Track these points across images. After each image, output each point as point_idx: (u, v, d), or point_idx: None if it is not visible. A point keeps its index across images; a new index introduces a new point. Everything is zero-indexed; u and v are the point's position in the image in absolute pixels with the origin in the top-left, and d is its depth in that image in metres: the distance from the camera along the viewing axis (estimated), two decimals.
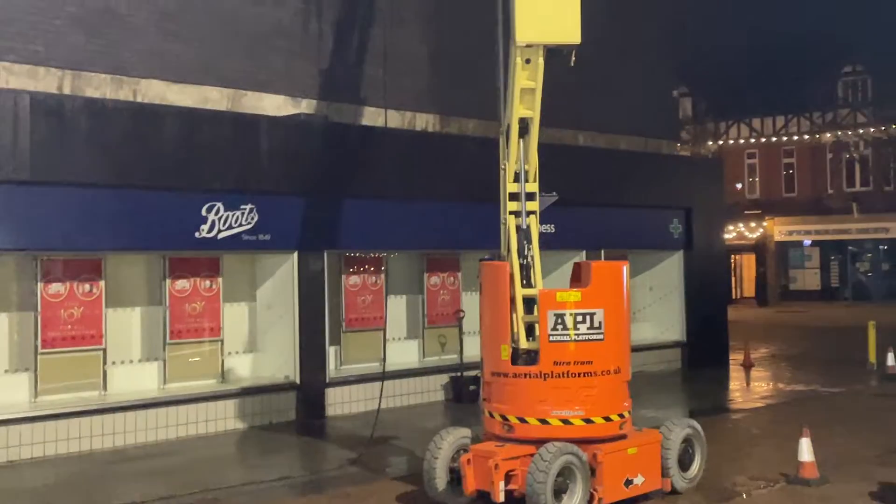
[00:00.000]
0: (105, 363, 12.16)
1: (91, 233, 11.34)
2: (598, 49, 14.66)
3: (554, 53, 9.00)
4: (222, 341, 13.25)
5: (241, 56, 13.52)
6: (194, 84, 12.96)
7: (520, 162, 9.18)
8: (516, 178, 9.19)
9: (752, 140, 41.77)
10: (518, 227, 9.04)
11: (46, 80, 11.62)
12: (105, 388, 12.14)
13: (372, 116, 14.67)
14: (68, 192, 11.14)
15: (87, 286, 12.03)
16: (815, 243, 40.97)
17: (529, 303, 8.73)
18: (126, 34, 12.34)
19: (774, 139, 41.34)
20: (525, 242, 9.00)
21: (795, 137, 40.80)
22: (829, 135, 39.51)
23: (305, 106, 14.13)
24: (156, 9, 12.61)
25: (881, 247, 40.24)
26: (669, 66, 20.56)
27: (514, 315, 8.71)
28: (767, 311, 37.51)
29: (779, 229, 41.45)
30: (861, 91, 39.87)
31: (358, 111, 14.70)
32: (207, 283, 13.07)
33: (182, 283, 12.83)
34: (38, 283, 11.68)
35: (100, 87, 12.09)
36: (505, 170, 9.25)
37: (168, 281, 12.69)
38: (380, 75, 14.24)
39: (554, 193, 9.78)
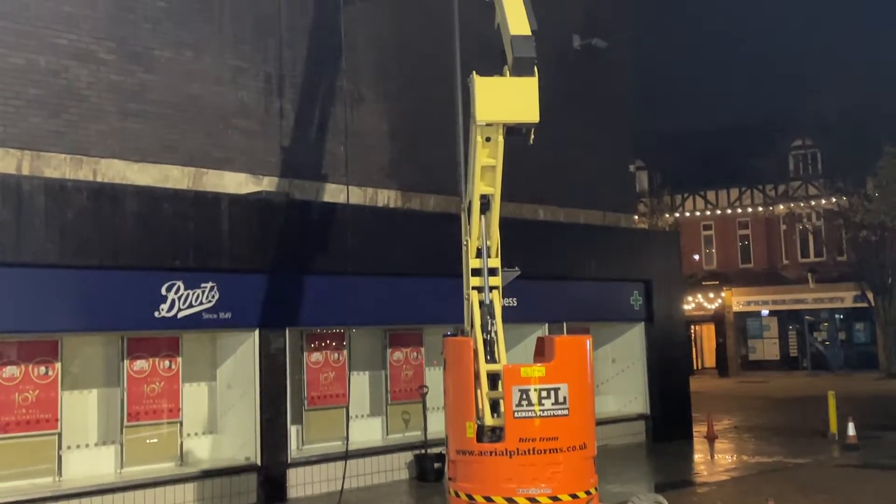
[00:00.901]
0: (60, 448, 11.85)
1: (47, 314, 11.18)
2: (557, 126, 15.02)
3: (513, 131, 9.18)
4: (181, 423, 13.00)
5: (203, 134, 13.60)
6: (155, 163, 12.98)
7: (482, 238, 9.29)
8: (478, 254, 9.29)
9: (708, 212, 42.62)
10: (481, 303, 9.10)
11: (5, 161, 11.58)
12: (60, 473, 11.80)
13: (334, 193, 14.78)
14: (24, 272, 11.01)
15: (42, 368, 11.79)
16: (772, 313, 41.54)
17: (494, 378, 8.73)
18: (87, 114, 12.38)
19: (729, 211, 42.23)
20: (488, 318, 9.05)
21: (750, 209, 41.72)
22: (782, 207, 40.45)
23: (267, 183, 14.20)
24: (117, 89, 12.70)
25: (837, 316, 40.90)
26: (625, 141, 21.04)
27: (479, 391, 8.70)
28: (728, 381, 37.74)
29: (737, 300, 42.02)
30: (811, 164, 41.01)
31: (320, 188, 14.80)
32: (166, 363, 12.89)
33: (140, 364, 12.64)
34: None
35: (59, 167, 12.06)
36: (467, 245, 9.35)
37: (126, 361, 12.50)
38: (341, 152, 14.40)
39: (516, 268, 9.87)
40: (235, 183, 13.85)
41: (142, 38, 13.01)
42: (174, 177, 13.17)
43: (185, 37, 13.48)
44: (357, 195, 15.16)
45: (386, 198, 15.88)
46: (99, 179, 12.35)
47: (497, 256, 9.36)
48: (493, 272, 9.27)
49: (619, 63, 20.50)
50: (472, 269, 9.23)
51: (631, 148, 22.10)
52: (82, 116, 12.34)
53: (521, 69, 8.94)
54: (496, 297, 9.19)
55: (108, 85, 12.63)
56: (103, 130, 12.52)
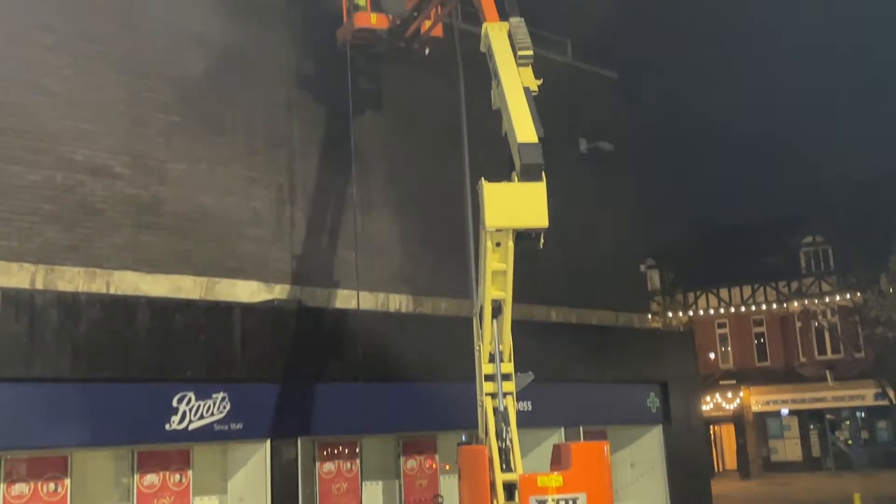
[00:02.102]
0: None
1: (57, 429, 11.07)
2: (567, 227, 15.13)
3: (523, 236, 9.26)
4: None
5: (215, 245, 13.73)
6: (168, 274, 13.09)
7: (494, 343, 9.24)
8: (491, 359, 9.23)
9: (722, 310, 42.38)
10: (495, 410, 9.00)
11: (19, 276, 11.69)
12: None
13: (345, 299, 14.79)
14: (35, 388, 10.96)
15: (51, 485, 11.60)
16: (792, 412, 40.79)
17: (510, 488, 8.55)
18: (101, 228, 12.56)
19: (743, 309, 41.99)
20: (503, 425, 8.93)
21: (763, 307, 41.48)
22: (796, 304, 40.22)
23: (279, 291, 14.25)
24: (131, 202, 12.90)
25: (858, 414, 40.12)
26: (636, 241, 21.14)
27: (495, 502, 8.50)
28: (751, 483, 36.77)
29: (755, 399, 41.35)
30: (823, 260, 40.97)
31: (331, 294, 14.83)
32: (177, 476, 12.66)
33: (151, 479, 12.42)
34: (1, 485, 11.25)
35: (73, 280, 12.16)
36: (479, 351, 9.30)
37: (136, 476, 12.29)
38: (352, 258, 14.49)
39: (530, 373, 9.79)
40: (248, 291, 13.90)
41: (156, 152, 13.30)
42: (187, 287, 13.25)
43: (199, 150, 13.77)
44: (369, 300, 15.17)
45: (397, 302, 15.88)
46: (112, 291, 12.43)
47: (510, 361, 9.30)
48: (506, 377, 9.20)
49: (628, 164, 20.76)
50: (486, 375, 9.17)
51: (642, 247, 22.18)
52: (96, 230, 12.51)
53: (529, 175, 9.08)
54: (510, 403, 9.09)
55: (122, 198, 12.84)
56: (117, 243, 12.67)
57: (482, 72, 10.70)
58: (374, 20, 14.05)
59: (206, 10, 14.00)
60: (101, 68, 12.93)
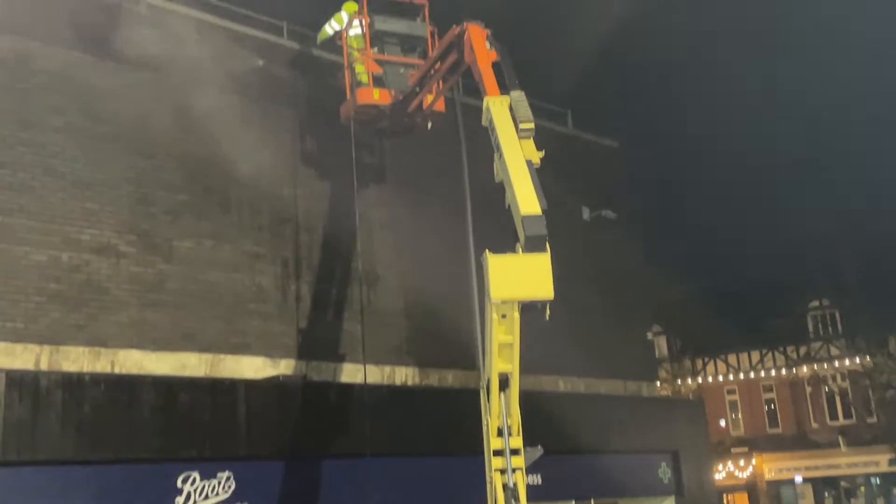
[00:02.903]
0: None
1: None
2: (573, 297, 15.07)
3: (529, 308, 9.19)
4: None
5: (220, 321, 13.69)
6: (173, 351, 13.02)
7: (502, 416, 9.11)
8: (500, 433, 9.09)
9: (731, 376, 41.95)
10: (504, 486, 8.83)
11: (24, 357, 11.63)
12: None
13: (351, 372, 14.68)
14: (38, 471, 10.81)
15: None
16: (806, 480, 40.02)
17: None
18: (106, 307, 12.54)
19: (752, 375, 41.55)
20: (513, 501, 8.75)
21: (773, 372, 41.05)
22: (805, 369, 39.80)
23: (284, 366, 14.15)
24: (137, 280, 12.92)
25: (873, 480, 39.37)
26: (642, 308, 21.05)
27: None
28: None
29: (768, 467, 40.63)
30: (830, 324, 40.67)
31: (337, 368, 14.73)
32: None
33: None
34: None
35: (78, 360, 12.10)
36: (487, 425, 9.17)
37: None
38: (358, 331, 14.42)
39: (539, 447, 9.64)
40: (253, 367, 13.81)
41: (162, 230, 13.36)
42: (192, 364, 13.16)
43: (205, 227, 13.83)
44: (374, 374, 15.06)
45: (404, 375, 15.76)
46: (117, 371, 12.35)
47: (519, 435, 9.15)
48: (515, 452, 9.03)
49: (631, 232, 20.81)
50: (494, 450, 9.01)
51: (648, 314, 22.08)
52: (102, 309, 12.49)
53: (533, 247, 9.06)
54: (520, 478, 8.93)
55: (127, 277, 12.85)
56: (122, 321, 12.64)
57: (484, 144, 10.78)
58: (377, 96, 14.22)
59: (212, 89, 14.22)
60: (108, 148, 13.07)
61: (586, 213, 19.92)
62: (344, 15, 14.78)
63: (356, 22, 14.60)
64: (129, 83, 13.48)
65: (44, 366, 11.75)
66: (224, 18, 15.08)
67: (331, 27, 14.92)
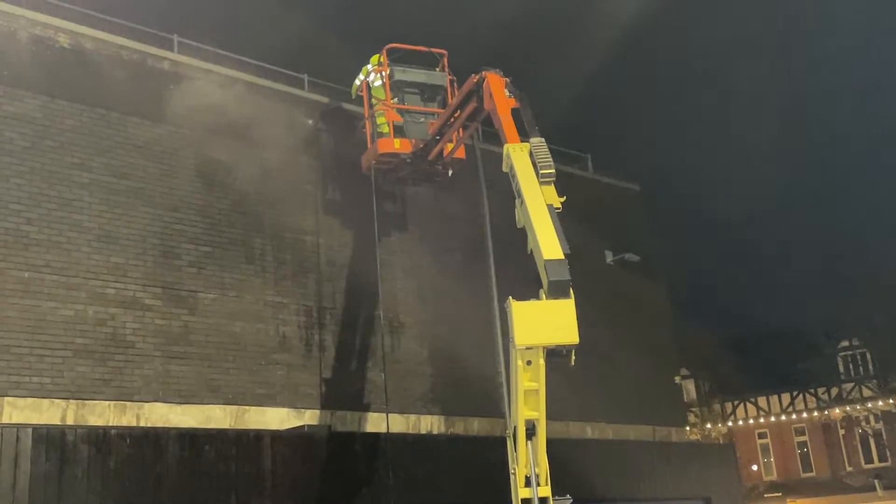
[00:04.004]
0: None
1: None
2: (598, 342, 14.99)
3: (554, 354, 9.17)
4: None
5: (245, 372, 13.71)
6: (198, 404, 13.04)
7: (529, 465, 9.03)
8: (527, 483, 9.00)
9: (762, 419, 41.29)
10: None
11: (50, 412, 11.69)
12: None
13: (376, 422, 14.63)
14: None
15: None
16: None
17: None
18: (132, 360, 12.61)
19: (784, 417, 40.89)
20: None
21: (804, 415, 40.37)
22: (837, 410, 39.10)
23: (309, 417, 14.12)
24: (162, 333, 12.99)
25: None
26: (670, 351, 20.88)
27: None
28: None
29: None
30: (861, 365, 40.05)
31: (362, 417, 14.68)
32: None
33: None
34: None
35: (103, 414, 12.14)
36: (515, 474, 9.08)
37: None
38: (381, 380, 14.38)
39: (568, 497, 9.51)
40: (278, 418, 13.79)
41: (187, 282, 13.46)
42: (217, 416, 13.16)
43: (229, 278, 13.93)
44: (399, 423, 14.98)
45: (429, 424, 15.66)
46: (142, 424, 12.37)
47: (547, 484, 9.05)
48: (544, 502, 8.92)
49: (656, 274, 20.72)
50: (522, 500, 8.91)
51: (676, 358, 21.89)
52: (127, 363, 12.56)
53: (557, 292, 9.07)
54: None
55: (153, 330, 12.93)
56: (147, 375, 12.69)
57: (505, 190, 10.84)
58: (398, 145, 14.38)
59: (233, 140, 14.43)
60: (133, 202, 13.25)
61: (609, 257, 19.88)
62: (369, 67, 15.02)
63: (377, 74, 14.83)
64: (154, 138, 13.70)
65: (70, 420, 11.79)
66: (247, 72, 15.33)
67: (358, 80, 15.16)
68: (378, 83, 14.88)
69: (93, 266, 12.62)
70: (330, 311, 15.02)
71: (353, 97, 15.55)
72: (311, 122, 15.70)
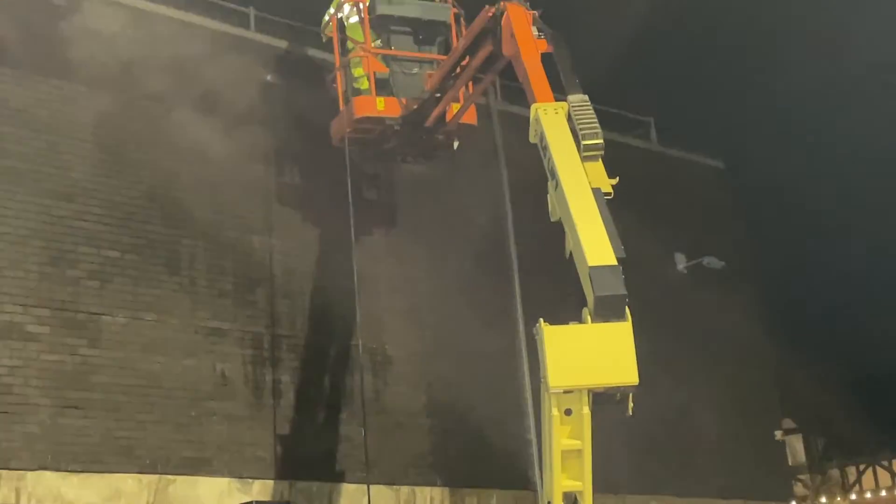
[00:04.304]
0: None
1: None
2: (664, 383, 14.97)
3: (603, 399, 9.15)
4: None
5: (168, 427, 13.73)
6: (102, 472, 13.04)
7: None
8: None
9: None
10: None
11: None
12: None
13: (354, 497, 14.65)
14: None
15: None
16: None
17: None
18: (8, 412, 12.55)
19: None
20: None
21: None
22: None
23: (259, 490, 14.17)
24: (51, 373, 12.97)
25: None
26: (767, 396, 20.90)
27: None
28: None
29: None
30: None
31: (333, 490, 14.73)
32: None
33: None
34: None
35: None
36: None
37: None
38: (360, 437, 14.39)
39: None
40: (215, 492, 13.82)
41: (86, 301, 13.47)
42: (129, 490, 13.18)
43: (145, 295, 13.96)
44: (387, 498, 14.99)
45: (428, 498, 15.70)
46: (23, 501, 12.36)
47: None
48: None
49: (746, 289, 20.71)
50: None
51: (775, 405, 21.88)
52: (2, 414, 12.53)
53: (606, 312, 9.05)
54: None
55: (38, 368, 12.92)
56: (31, 432, 12.67)
57: (534, 168, 10.83)
58: (382, 106, 14.38)
59: (151, 102, 14.48)
60: (8, 189, 13.25)
61: (681, 262, 19.90)
62: (345, 5, 14.98)
63: (353, 6, 14.80)
64: (38, 99, 13.71)
65: None
66: (169, 5, 15.38)
67: (328, 14, 15.16)
68: (354, 19, 14.88)
69: None
70: (287, 341, 15.02)
71: (324, 40, 15.54)
72: (266, 76, 15.70)
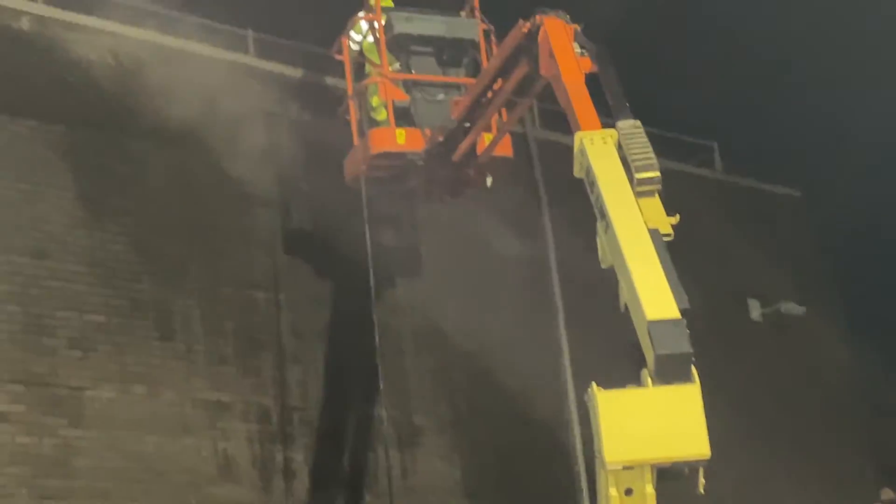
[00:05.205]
0: None
1: None
2: (742, 453, 14.87)
3: (670, 474, 9.10)
4: None
5: None
6: None
7: None
8: None
9: None
10: None
11: None
12: None
13: None
14: None
15: None
16: None
17: None
18: None
19: None
20: None
21: None
22: None
23: None
24: (26, 457, 12.93)
25: None
26: (865, 461, 20.75)
27: None
28: None
29: None
30: None
31: None
32: None
33: None
34: None
35: None
36: None
37: None
38: None
39: None
40: None
41: (66, 372, 13.44)
42: None
43: (133, 364, 13.98)
44: None
45: None
46: None
47: None
48: None
49: (835, 336, 20.59)
50: None
51: (874, 469, 21.67)
52: None
53: (669, 372, 9.01)
54: None
55: (12, 452, 12.88)
56: None
57: (581, 206, 10.81)
58: (403, 139, 14.40)
59: (137, 139, 14.58)
60: None
61: (755, 310, 19.81)
62: (363, 22, 15.02)
63: (367, 25, 14.86)
64: (9, 136, 13.83)
65: None
66: (156, 29, 15.53)
67: (355, 40, 15.15)
68: (370, 39, 14.94)
69: None
70: (299, 414, 15.02)
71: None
72: (265, 105, 15.75)
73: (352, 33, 15.14)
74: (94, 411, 13.61)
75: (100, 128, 14.47)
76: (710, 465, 9.06)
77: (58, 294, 13.74)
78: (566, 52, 11.46)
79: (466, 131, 13.92)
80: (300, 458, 14.90)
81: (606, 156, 10.35)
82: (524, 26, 12.14)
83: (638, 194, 10.09)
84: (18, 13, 14.41)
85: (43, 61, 14.31)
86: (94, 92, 14.54)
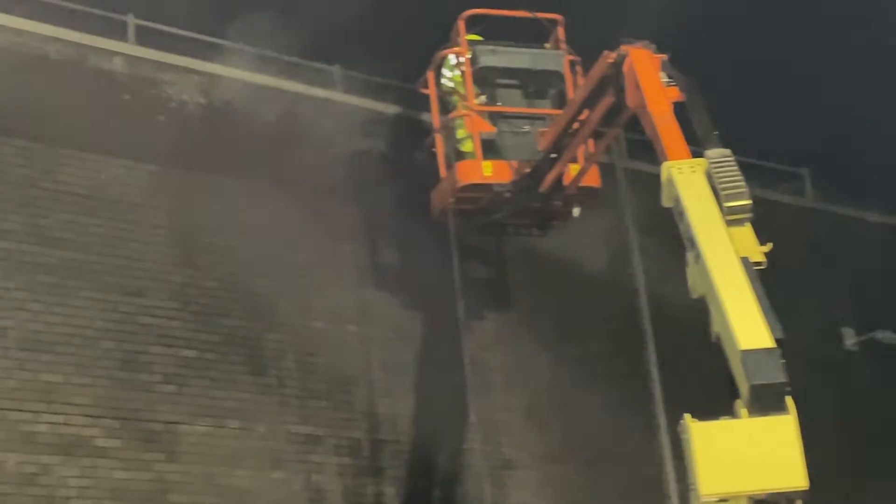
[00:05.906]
0: None
1: None
2: (842, 485, 14.66)
3: None
4: None
5: None
6: None
7: None
8: None
9: None
10: None
11: None
12: None
13: None
14: None
15: None
16: None
17: None
18: None
19: None
20: None
21: None
22: None
23: None
24: (123, 492, 13.06)
25: None
26: None
27: None
28: None
29: None
30: None
31: None
32: None
33: None
34: None
35: None
36: None
37: None
38: None
39: None
40: None
41: (161, 408, 13.60)
42: None
43: (226, 400, 14.09)
44: None
45: None
46: None
47: None
48: None
49: None
50: None
51: None
52: None
53: (764, 403, 8.97)
54: None
55: (109, 487, 12.99)
56: None
57: (670, 235, 10.78)
58: (489, 171, 14.42)
59: (227, 178, 14.72)
60: (72, 284, 13.52)
61: (850, 338, 19.54)
62: (451, 56, 15.07)
63: (455, 58, 14.92)
64: (102, 181, 14.05)
65: None
66: (243, 67, 15.69)
67: (446, 78, 15.19)
68: (456, 72, 15.01)
69: (9, 390, 12.86)
70: (390, 447, 15.03)
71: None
72: (352, 140, 15.85)
73: (443, 70, 15.19)
74: (187, 446, 13.73)
75: (189, 167, 14.64)
76: (807, 497, 8.99)
77: (152, 331, 13.92)
78: (652, 82, 11.46)
79: (553, 162, 13.92)
80: (391, 492, 14.91)
81: (695, 185, 10.34)
82: (609, 57, 12.15)
83: (728, 223, 10.06)
84: (111, 54, 14.68)
85: (138, 102, 14.55)
86: (185, 131, 14.75)
